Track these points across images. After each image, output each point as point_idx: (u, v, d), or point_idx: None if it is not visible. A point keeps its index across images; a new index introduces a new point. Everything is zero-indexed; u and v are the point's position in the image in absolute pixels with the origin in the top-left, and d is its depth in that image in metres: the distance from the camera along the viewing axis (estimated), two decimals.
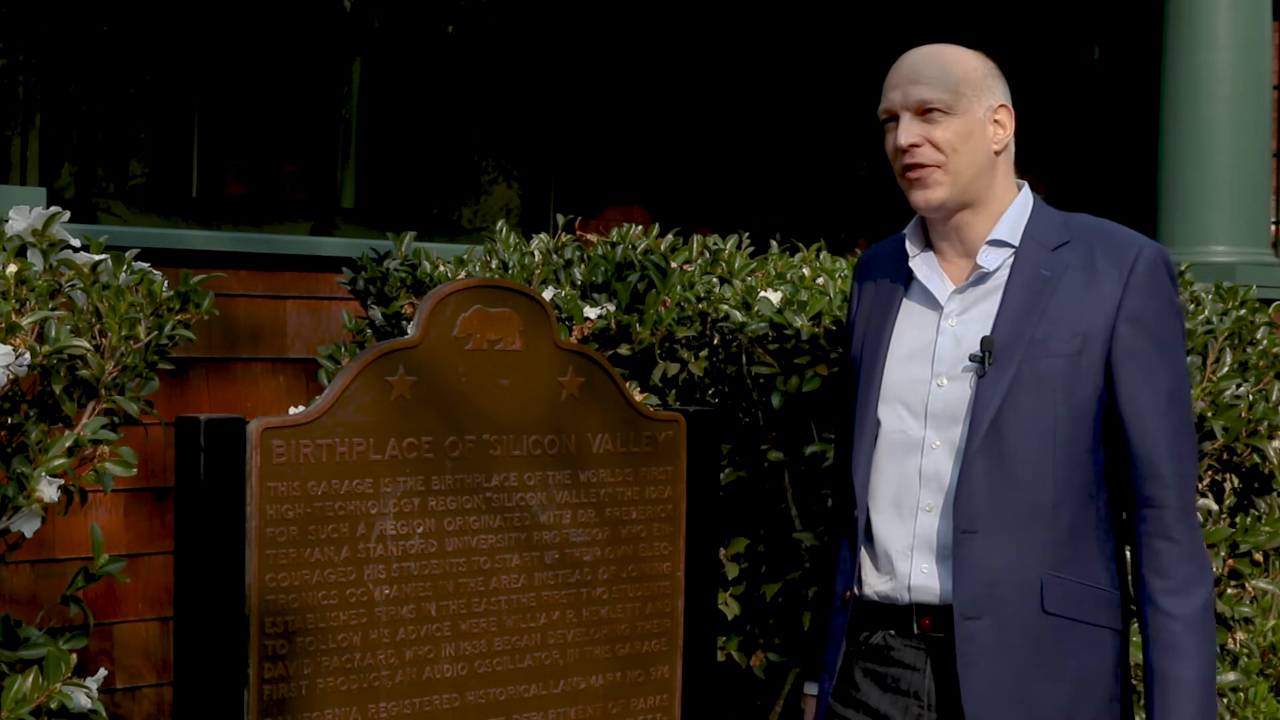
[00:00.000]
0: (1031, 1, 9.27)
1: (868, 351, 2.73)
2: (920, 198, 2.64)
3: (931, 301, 2.68)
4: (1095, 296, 2.59)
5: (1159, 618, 2.57)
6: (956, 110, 2.61)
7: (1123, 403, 2.58)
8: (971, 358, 2.60)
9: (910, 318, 2.70)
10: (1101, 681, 2.61)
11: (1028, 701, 2.55)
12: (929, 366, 2.65)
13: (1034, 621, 2.56)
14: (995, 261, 2.64)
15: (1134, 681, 2.62)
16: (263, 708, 2.58)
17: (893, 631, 2.66)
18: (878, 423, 2.68)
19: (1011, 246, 2.65)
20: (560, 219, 4.27)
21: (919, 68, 2.64)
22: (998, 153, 2.66)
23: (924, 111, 2.62)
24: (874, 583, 2.67)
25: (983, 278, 2.65)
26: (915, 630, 2.63)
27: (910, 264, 2.70)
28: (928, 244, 2.72)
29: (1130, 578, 2.65)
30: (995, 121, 2.65)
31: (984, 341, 2.59)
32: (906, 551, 2.63)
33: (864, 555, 2.69)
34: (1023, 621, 2.55)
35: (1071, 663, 2.58)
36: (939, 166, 2.62)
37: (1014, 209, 2.68)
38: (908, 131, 2.62)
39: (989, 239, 2.66)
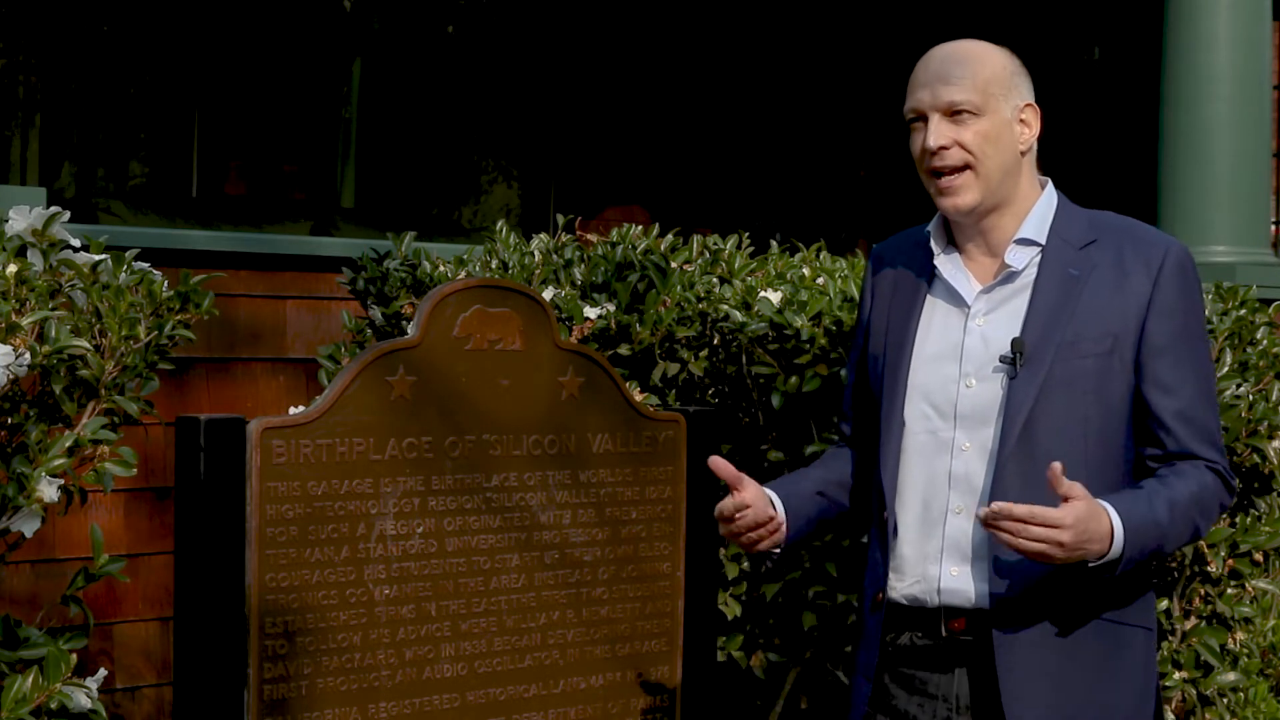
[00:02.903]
0: (1031, 1, 9.27)
1: (891, 350, 2.69)
2: (950, 204, 2.61)
3: (957, 300, 2.65)
4: (1125, 295, 2.57)
5: (1147, 480, 2.56)
6: (985, 111, 2.58)
7: (1153, 399, 2.56)
8: (1002, 359, 2.57)
9: (935, 316, 2.67)
10: (1134, 679, 2.60)
11: (1064, 700, 2.54)
12: (957, 367, 2.62)
13: (1070, 621, 2.54)
14: (1023, 260, 2.62)
15: (1161, 681, 2.59)
16: (263, 708, 2.58)
17: (920, 634, 2.63)
18: (903, 423, 2.64)
19: (1039, 245, 2.63)
20: (560, 219, 4.27)
21: (948, 66, 2.60)
22: (1023, 152, 2.63)
23: (953, 113, 2.58)
24: (900, 585, 2.64)
25: (1010, 276, 2.63)
26: (944, 633, 2.60)
27: (935, 262, 2.67)
28: (950, 241, 2.70)
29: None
30: (1021, 121, 2.62)
31: (1015, 343, 2.56)
32: (935, 554, 2.60)
33: (892, 557, 2.66)
34: (1059, 622, 2.54)
35: (1105, 661, 2.56)
36: (968, 168, 2.58)
37: (1039, 207, 2.65)
38: (937, 133, 2.58)
39: (1016, 238, 2.63)
